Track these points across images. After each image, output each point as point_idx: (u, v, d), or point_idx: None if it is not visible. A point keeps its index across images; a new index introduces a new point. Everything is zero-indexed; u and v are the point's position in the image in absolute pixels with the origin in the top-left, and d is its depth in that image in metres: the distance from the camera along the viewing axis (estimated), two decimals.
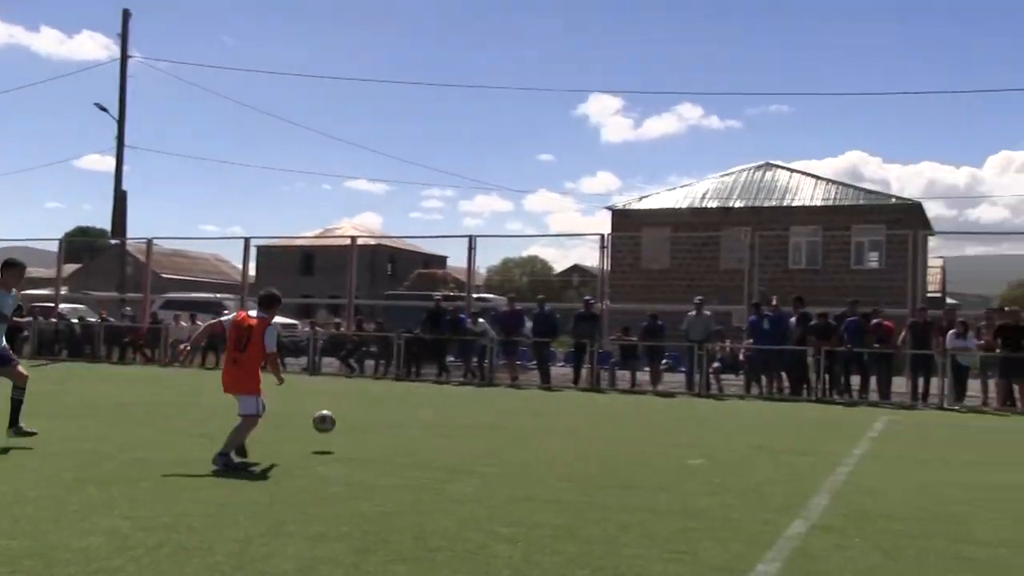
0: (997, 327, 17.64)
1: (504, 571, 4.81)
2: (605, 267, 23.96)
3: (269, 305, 8.30)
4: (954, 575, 5.04)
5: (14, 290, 9.09)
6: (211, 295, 38.22)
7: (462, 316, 21.99)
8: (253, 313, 8.30)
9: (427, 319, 22.03)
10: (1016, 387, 17.42)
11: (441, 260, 62.34)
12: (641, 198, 42.13)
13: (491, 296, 33.53)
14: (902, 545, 5.67)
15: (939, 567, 5.20)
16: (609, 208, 41.55)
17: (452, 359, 22.26)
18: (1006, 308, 19.80)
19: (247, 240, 26.68)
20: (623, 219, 40.26)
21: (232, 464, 7.69)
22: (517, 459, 8.93)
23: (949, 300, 44.87)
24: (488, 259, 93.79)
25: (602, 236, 23.49)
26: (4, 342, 9.01)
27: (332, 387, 18.21)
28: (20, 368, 9.02)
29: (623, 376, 20.67)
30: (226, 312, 10.44)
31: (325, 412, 9.33)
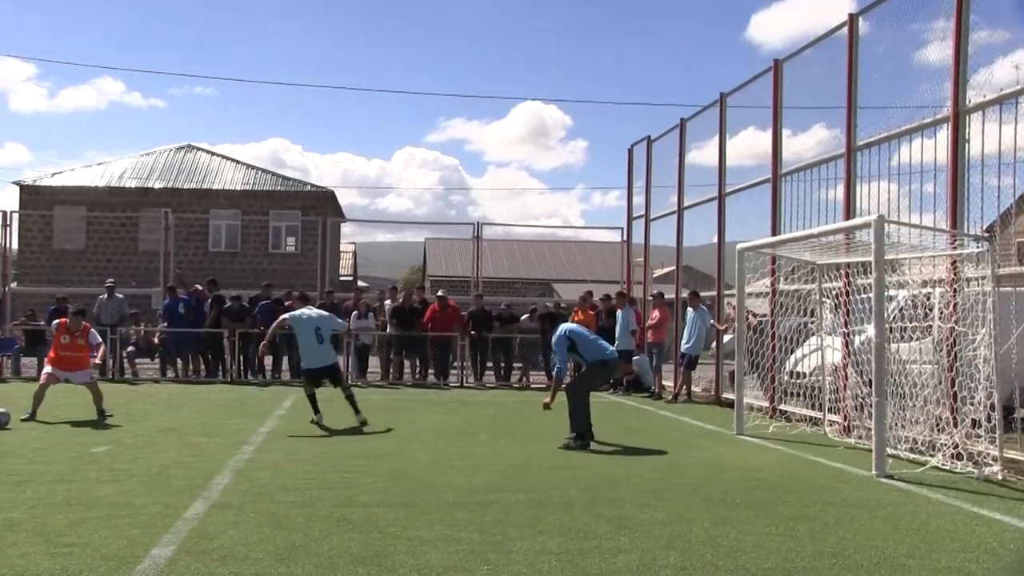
0: (392, 309, 19.54)
1: None
2: (11, 246, 22.21)
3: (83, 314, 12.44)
4: (335, 536, 5.63)
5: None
6: None
7: None
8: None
9: None
10: (407, 362, 19.49)
11: None
12: (54, 174, 39.51)
13: None
14: (292, 514, 6.19)
15: (323, 529, 5.79)
16: (17, 183, 38.23)
17: None
18: (398, 290, 21.93)
19: None
20: (33, 196, 37.52)
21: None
22: None
23: (361, 283, 48.11)
24: None
25: (4, 213, 21.61)
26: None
27: None
28: None
29: (29, 363, 19.24)
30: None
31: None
